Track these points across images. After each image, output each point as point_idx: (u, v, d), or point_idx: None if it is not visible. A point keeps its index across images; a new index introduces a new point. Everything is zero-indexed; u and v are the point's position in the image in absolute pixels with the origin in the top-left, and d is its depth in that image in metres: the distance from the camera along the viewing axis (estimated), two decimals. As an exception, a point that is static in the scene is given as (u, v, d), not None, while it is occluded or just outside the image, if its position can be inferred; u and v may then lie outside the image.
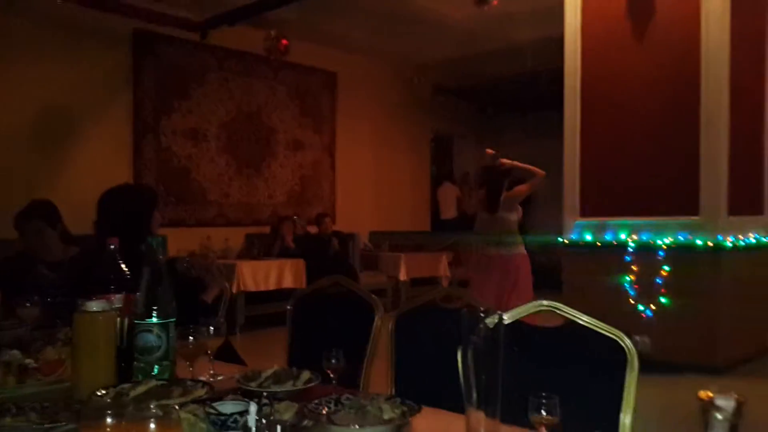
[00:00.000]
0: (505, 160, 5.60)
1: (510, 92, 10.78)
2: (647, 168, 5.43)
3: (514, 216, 5.52)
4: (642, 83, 5.51)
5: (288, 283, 7.17)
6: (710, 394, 0.79)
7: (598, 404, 1.52)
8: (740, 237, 5.27)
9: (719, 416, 0.77)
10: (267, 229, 8.15)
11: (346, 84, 9.64)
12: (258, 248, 7.63)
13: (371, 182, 10.04)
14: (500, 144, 12.17)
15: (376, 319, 2.10)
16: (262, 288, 7.01)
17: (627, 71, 5.59)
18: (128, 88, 7.45)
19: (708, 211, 5.13)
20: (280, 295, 6.75)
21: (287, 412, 1.21)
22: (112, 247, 1.67)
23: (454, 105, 11.55)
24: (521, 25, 7.76)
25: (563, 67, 5.96)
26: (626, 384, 1.50)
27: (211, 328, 1.74)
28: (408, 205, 10.67)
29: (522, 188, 5.57)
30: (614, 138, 5.65)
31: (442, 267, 8.95)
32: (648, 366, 4.87)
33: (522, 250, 5.44)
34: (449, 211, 10.82)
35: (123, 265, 1.66)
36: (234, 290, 6.58)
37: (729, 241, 5.12)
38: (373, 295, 2.21)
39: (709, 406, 0.78)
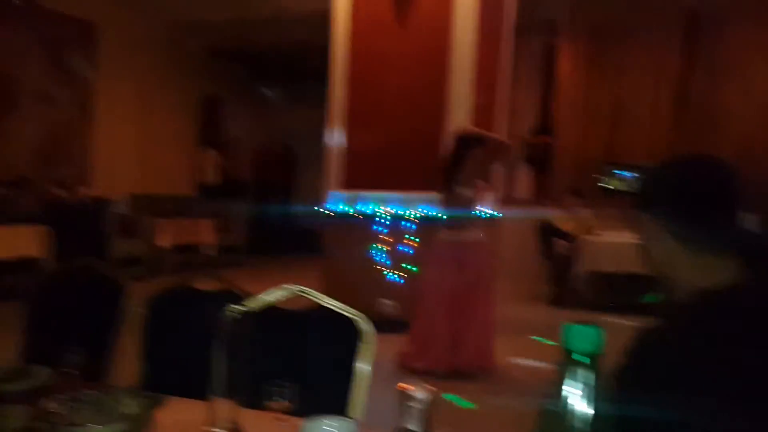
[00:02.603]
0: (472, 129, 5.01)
1: (280, 60, 10.77)
2: (400, 147, 5.83)
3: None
4: (400, 65, 5.86)
5: (26, 251, 6.41)
6: (409, 386, 0.93)
7: (343, 377, 1.62)
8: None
9: (414, 404, 0.91)
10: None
11: (108, 37, 8.85)
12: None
13: (133, 143, 9.41)
14: (267, 111, 12.23)
15: (127, 303, 1.99)
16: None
17: (389, 52, 5.89)
18: None
19: (450, 187, 5.71)
20: (14, 266, 6.06)
21: (14, 417, 1.15)
22: None
23: (225, 68, 11.24)
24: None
25: (331, 42, 6.13)
26: (364, 355, 1.63)
27: None
28: (172, 168, 10.22)
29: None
30: (373, 115, 5.96)
31: (207, 233, 8.77)
32: (397, 327, 5.34)
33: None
34: (210, 176, 10.59)
35: None
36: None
37: (466, 215, 5.78)
38: (125, 277, 2.11)
39: (405, 397, 0.92)
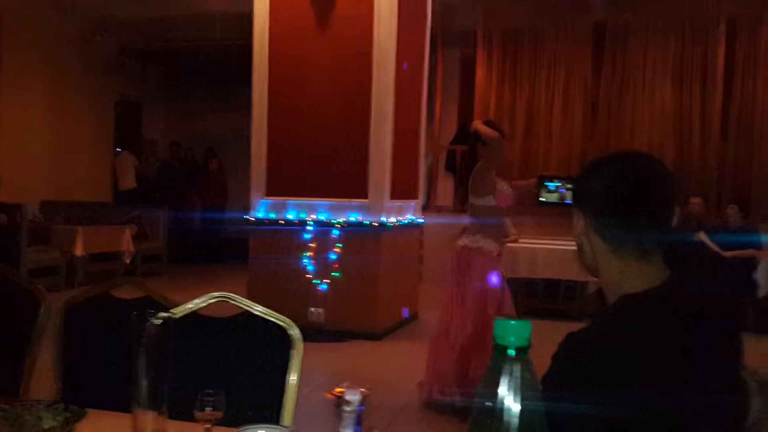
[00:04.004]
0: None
1: (200, 62, 10.56)
2: (326, 153, 5.83)
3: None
4: (323, 72, 5.86)
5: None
6: (341, 390, 0.94)
7: (273, 385, 1.60)
8: (399, 218, 6.06)
9: (348, 408, 0.92)
10: None
11: (13, 31, 8.38)
12: None
13: (44, 147, 8.97)
14: (189, 114, 11.94)
15: (41, 312, 1.93)
16: None
17: (311, 59, 5.88)
18: None
19: (375, 195, 5.75)
20: None
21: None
22: None
23: (142, 68, 10.90)
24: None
25: (253, 45, 6.05)
26: (292, 362, 1.62)
27: None
28: (87, 173, 9.81)
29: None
30: (298, 121, 5.93)
31: (125, 241, 8.47)
32: (322, 335, 5.32)
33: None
34: (128, 181, 10.23)
35: None
36: None
37: (390, 222, 5.84)
38: (39, 285, 2.01)
39: (340, 401, 0.93)
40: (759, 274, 6.13)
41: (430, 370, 3.94)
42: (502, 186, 3.98)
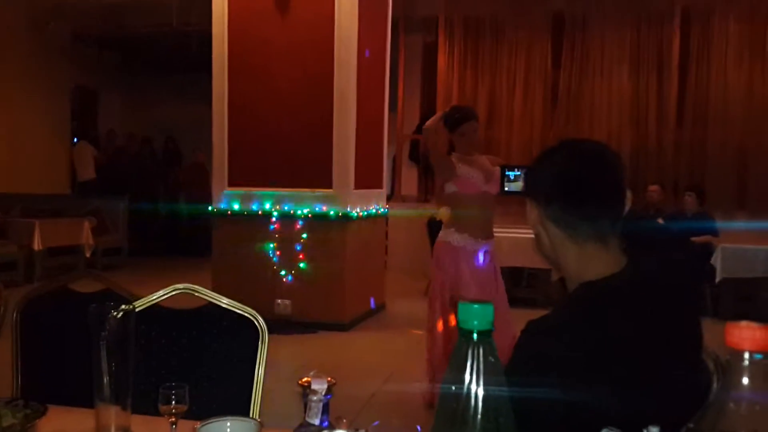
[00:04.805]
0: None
1: (157, 49, 10.34)
2: (289, 142, 5.78)
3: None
4: (285, 58, 5.78)
5: None
6: (309, 380, 0.94)
7: (239, 377, 1.60)
8: (364, 208, 6.05)
9: (314, 398, 0.93)
10: None
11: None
12: None
13: (-2, 137, 8.71)
14: (147, 102, 11.71)
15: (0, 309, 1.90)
16: None
17: (272, 44, 5.80)
18: None
19: (339, 184, 5.73)
20: None
21: None
22: None
23: (98, 56, 10.63)
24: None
25: (211, 30, 5.95)
26: (259, 354, 1.62)
27: None
28: (44, 164, 9.55)
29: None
30: (260, 109, 5.86)
31: (85, 234, 8.28)
32: (290, 326, 5.31)
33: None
34: (87, 172, 9.99)
35: None
36: None
37: (355, 212, 5.84)
38: (-6, 280, 1.98)
39: (307, 390, 0.93)
40: (715, 260, 6.31)
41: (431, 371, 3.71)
42: (467, 170, 3.68)
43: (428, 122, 3.87)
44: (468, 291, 3.58)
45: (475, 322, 0.59)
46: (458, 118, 3.73)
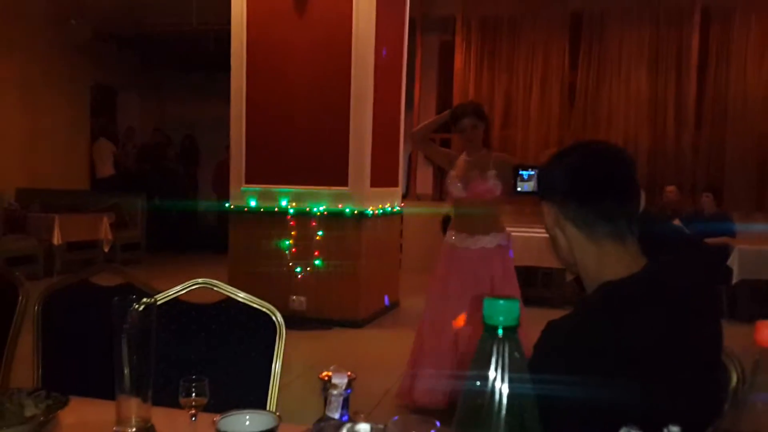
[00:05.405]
0: None
1: (176, 48, 10.41)
2: (306, 140, 5.80)
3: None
4: (302, 57, 5.81)
5: None
6: (329, 374, 0.95)
7: (256, 371, 1.62)
8: (379, 206, 6.06)
9: (334, 392, 0.93)
10: None
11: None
12: None
13: (18, 132, 8.79)
14: (165, 100, 11.79)
15: (20, 300, 1.89)
16: None
17: (290, 43, 5.82)
18: None
19: (355, 182, 5.74)
20: None
21: None
22: None
23: (118, 55, 10.72)
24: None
25: (230, 29, 5.98)
26: (276, 349, 1.63)
27: None
28: (63, 160, 9.65)
29: None
30: (278, 107, 5.89)
31: (104, 229, 8.37)
32: (305, 322, 5.32)
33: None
34: (105, 169, 10.09)
35: None
36: None
37: (370, 210, 5.84)
38: (17, 272, 2.00)
39: (327, 385, 0.93)
40: (732, 262, 6.25)
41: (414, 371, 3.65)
42: (449, 176, 3.68)
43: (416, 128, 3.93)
44: (447, 289, 3.61)
45: (501, 318, 0.59)
46: (455, 115, 3.69)
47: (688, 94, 8.55)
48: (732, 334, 1.20)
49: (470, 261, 3.62)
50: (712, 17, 8.54)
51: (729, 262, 6.23)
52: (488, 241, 3.63)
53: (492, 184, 3.57)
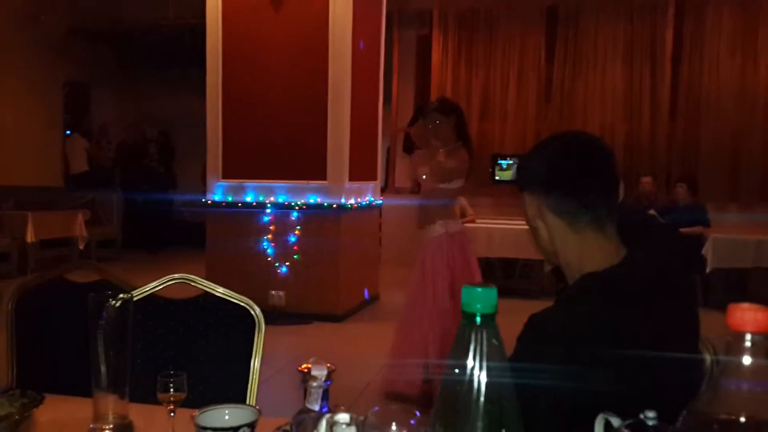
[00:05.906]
0: None
1: (151, 43, 10.26)
2: (283, 134, 5.77)
3: None
4: (279, 51, 5.77)
5: None
6: (309, 366, 0.94)
7: (235, 366, 1.61)
8: (358, 200, 6.05)
9: (314, 384, 0.93)
10: None
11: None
12: None
13: (-11, 130, 8.65)
14: (140, 96, 11.63)
15: None
16: None
17: (266, 37, 5.78)
18: None
19: (334, 176, 5.72)
20: None
21: None
22: None
23: (91, 50, 10.55)
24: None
25: (206, 24, 5.92)
26: (255, 343, 1.63)
27: None
28: (36, 157, 9.49)
29: None
30: (254, 102, 5.85)
31: (78, 226, 8.26)
32: (285, 317, 5.30)
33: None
34: (79, 165, 9.96)
35: None
36: None
37: (349, 203, 5.83)
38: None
39: (307, 377, 0.93)
40: (706, 251, 6.35)
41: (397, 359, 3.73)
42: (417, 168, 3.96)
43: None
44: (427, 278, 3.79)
45: (479, 306, 0.59)
46: (417, 110, 3.99)
47: (663, 86, 8.65)
48: (706, 322, 1.22)
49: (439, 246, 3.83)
50: (686, 11, 8.64)
51: (703, 251, 6.33)
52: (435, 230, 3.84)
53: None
